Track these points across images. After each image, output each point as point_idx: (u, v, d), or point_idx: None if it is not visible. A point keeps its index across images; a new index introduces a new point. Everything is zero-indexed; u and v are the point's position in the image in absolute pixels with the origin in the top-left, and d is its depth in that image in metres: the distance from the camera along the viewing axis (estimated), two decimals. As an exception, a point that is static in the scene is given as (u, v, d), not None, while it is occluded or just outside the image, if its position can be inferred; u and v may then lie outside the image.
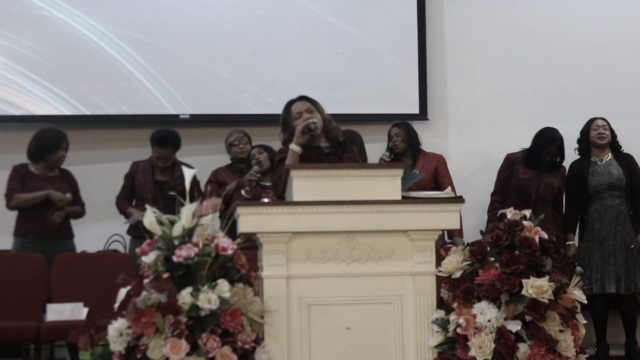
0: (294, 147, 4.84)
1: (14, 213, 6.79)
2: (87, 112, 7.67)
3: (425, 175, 6.93)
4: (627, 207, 6.98)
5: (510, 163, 7.21)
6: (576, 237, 7.14)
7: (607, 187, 6.96)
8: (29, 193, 6.68)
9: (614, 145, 7.15)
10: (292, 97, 5.18)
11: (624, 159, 7.09)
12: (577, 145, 7.20)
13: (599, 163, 7.08)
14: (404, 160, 7.11)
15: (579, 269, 6.86)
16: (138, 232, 6.59)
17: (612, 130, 7.14)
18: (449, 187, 4.58)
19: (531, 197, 7.02)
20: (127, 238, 7.11)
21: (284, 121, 5.05)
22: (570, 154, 7.26)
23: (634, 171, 7.07)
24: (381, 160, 6.82)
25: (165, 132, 6.99)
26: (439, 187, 6.90)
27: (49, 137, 6.80)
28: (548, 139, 7.08)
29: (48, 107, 7.66)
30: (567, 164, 7.23)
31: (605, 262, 6.87)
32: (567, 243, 7.03)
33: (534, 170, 7.09)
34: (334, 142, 4.98)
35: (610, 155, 7.10)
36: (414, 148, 7.18)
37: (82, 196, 6.97)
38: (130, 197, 7.03)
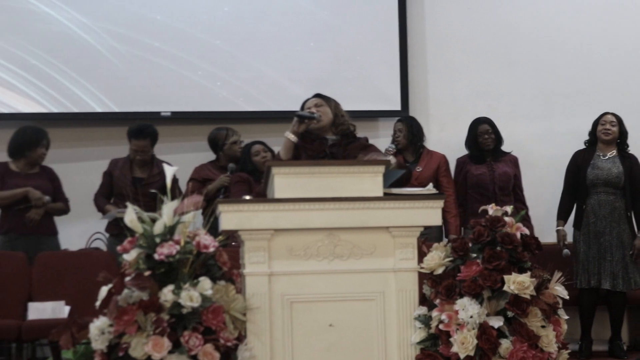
0: (289, 135, 4.86)
1: None
2: (68, 110, 7.63)
3: (427, 173, 6.99)
4: (622, 205, 6.98)
5: (462, 165, 7.26)
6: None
7: (603, 183, 6.97)
8: (7, 190, 6.67)
9: (621, 144, 7.16)
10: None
11: (628, 159, 7.09)
12: (559, 141, 7.23)
13: (602, 157, 7.09)
14: (406, 155, 7.13)
15: (565, 251, 6.91)
16: (117, 229, 6.62)
17: (622, 130, 7.14)
18: (430, 184, 4.58)
19: (490, 190, 7.06)
20: (108, 236, 7.09)
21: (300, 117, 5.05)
22: (549, 150, 7.30)
23: (635, 172, 7.08)
24: (386, 151, 6.84)
25: (141, 124, 7.06)
26: (438, 186, 6.93)
27: (29, 134, 6.80)
28: (475, 121, 7.28)
29: (31, 104, 7.62)
30: (554, 160, 7.28)
31: (602, 258, 6.89)
32: (557, 229, 7.09)
33: (484, 163, 7.13)
34: (342, 135, 4.99)
35: (615, 153, 7.11)
36: (416, 144, 7.19)
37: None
38: (109, 195, 7.04)
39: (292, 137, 4.87)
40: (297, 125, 4.87)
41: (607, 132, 7.09)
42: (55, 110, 7.63)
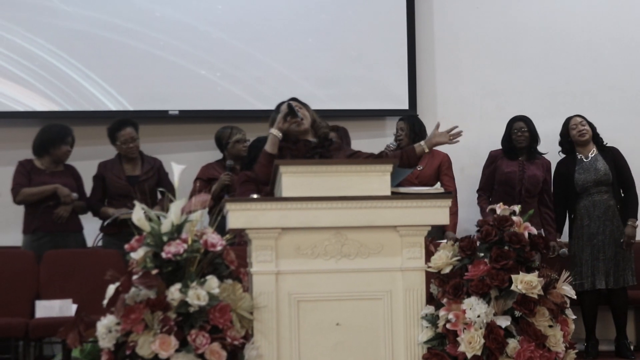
0: (274, 131, 4.86)
1: (19, 210, 6.80)
2: (73, 108, 7.65)
3: (429, 172, 6.97)
4: (615, 202, 7.00)
5: (493, 159, 7.28)
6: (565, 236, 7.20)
7: (595, 184, 6.99)
8: (35, 187, 6.70)
9: (596, 139, 7.18)
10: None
11: (609, 153, 7.12)
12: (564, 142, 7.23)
13: (584, 160, 7.11)
14: None
15: (563, 250, 6.92)
16: (113, 229, 6.66)
17: (590, 125, 7.17)
18: (438, 183, 4.58)
19: (516, 190, 7.06)
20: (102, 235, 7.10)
21: (273, 121, 5.03)
22: (556, 150, 7.30)
23: (620, 164, 7.10)
24: (386, 148, 6.84)
25: (117, 119, 7.12)
26: (442, 185, 6.91)
27: (54, 131, 6.84)
28: (513, 119, 7.29)
29: (43, 101, 7.64)
30: (553, 162, 7.28)
31: (595, 258, 6.91)
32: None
33: (516, 162, 7.14)
34: (321, 139, 4.98)
35: (595, 151, 7.14)
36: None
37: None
38: (101, 198, 7.04)
39: (278, 134, 4.87)
40: (281, 122, 4.87)
41: (582, 133, 7.12)
42: (44, 109, 7.67)
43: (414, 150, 5.10)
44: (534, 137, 7.25)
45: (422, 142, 5.15)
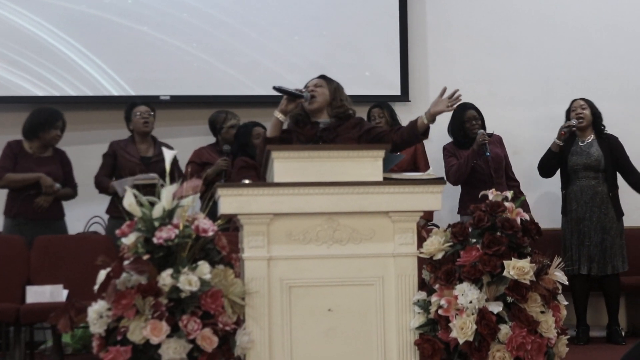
0: (277, 114, 4.83)
1: (4, 192, 6.78)
2: (63, 93, 7.62)
3: (406, 157, 6.92)
4: (605, 189, 7.00)
5: (452, 151, 7.20)
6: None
7: (583, 168, 7.00)
8: (20, 173, 6.66)
9: (596, 126, 7.16)
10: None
11: (606, 141, 7.11)
12: (557, 127, 7.21)
13: (580, 144, 7.12)
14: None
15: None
16: (117, 212, 6.61)
17: (594, 111, 7.15)
18: (431, 168, 4.58)
19: (485, 173, 7.01)
20: (108, 218, 7.08)
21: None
22: (548, 136, 7.30)
23: (618, 151, 7.10)
24: None
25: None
26: (416, 169, 6.91)
27: (44, 115, 6.79)
28: (461, 107, 6.73)
29: (33, 88, 7.62)
30: (543, 145, 7.28)
31: (580, 244, 6.94)
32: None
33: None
34: (337, 117, 4.96)
35: (592, 137, 7.13)
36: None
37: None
38: (110, 175, 7.01)
39: (280, 116, 4.85)
40: (284, 104, 4.85)
41: (579, 117, 7.09)
42: (52, 94, 7.63)
43: (416, 123, 4.97)
44: (484, 124, 7.21)
45: (423, 115, 4.99)
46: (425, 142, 6.31)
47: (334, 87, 5.03)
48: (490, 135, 7.06)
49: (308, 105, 4.92)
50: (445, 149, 7.30)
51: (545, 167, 7.24)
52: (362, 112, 7.73)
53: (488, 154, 6.86)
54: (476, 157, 6.92)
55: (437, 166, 7.03)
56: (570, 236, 7.00)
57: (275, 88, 4.90)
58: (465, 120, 7.17)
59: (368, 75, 8.00)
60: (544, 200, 7.63)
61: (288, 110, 4.86)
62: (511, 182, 7.19)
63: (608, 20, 8.28)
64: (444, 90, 5.00)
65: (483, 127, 7.19)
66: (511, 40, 8.25)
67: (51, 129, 6.75)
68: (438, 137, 7.18)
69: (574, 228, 7.00)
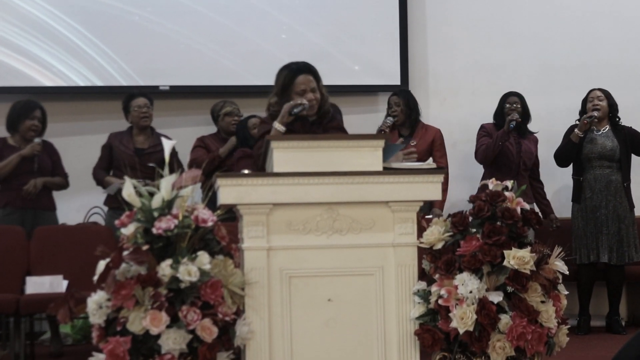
0: (278, 126, 4.79)
1: None
2: (66, 84, 7.61)
3: (422, 147, 6.96)
4: (619, 178, 7.00)
5: (487, 131, 7.25)
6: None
7: (598, 157, 7.02)
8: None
9: (612, 117, 7.16)
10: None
11: (621, 132, 7.12)
12: (558, 116, 7.23)
13: (595, 133, 7.11)
14: (401, 129, 7.11)
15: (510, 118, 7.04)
16: (116, 203, 6.60)
17: (611, 102, 7.15)
18: (430, 160, 4.57)
19: (514, 163, 7.07)
20: (107, 209, 7.07)
21: (283, 86, 4.92)
22: (549, 126, 7.30)
23: (636, 141, 7.09)
24: (383, 124, 6.83)
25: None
26: (433, 160, 6.93)
27: (18, 107, 6.78)
28: (506, 94, 7.34)
29: (26, 79, 7.60)
30: (553, 134, 7.30)
31: (599, 232, 6.95)
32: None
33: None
34: (320, 115, 4.94)
35: (608, 127, 7.13)
36: (413, 118, 7.16)
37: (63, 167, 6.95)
38: (108, 168, 7.02)
39: (281, 128, 4.80)
40: (286, 117, 4.81)
41: (595, 108, 7.09)
42: (49, 84, 7.61)
43: None
44: (526, 113, 7.26)
45: None
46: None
47: (321, 84, 4.99)
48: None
49: (307, 112, 4.87)
50: (482, 127, 7.38)
51: (563, 157, 7.26)
52: (362, 101, 7.78)
53: (512, 125, 6.94)
54: (506, 137, 6.97)
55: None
56: (585, 224, 6.99)
57: (291, 114, 4.78)
58: (506, 105, 7.23)
59: (368, 64, 7.99)
60: (547, 190, 7.59)
61: (288, 122, 4.82)
62: (535, 182, 7.35)
63: (608, 8, 8.27)
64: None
65: (525, 115, 7.25)
66: (511, 29, 8.24)
67: (26, 120, 6.74)
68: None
69: (589, 216, 7.00)
